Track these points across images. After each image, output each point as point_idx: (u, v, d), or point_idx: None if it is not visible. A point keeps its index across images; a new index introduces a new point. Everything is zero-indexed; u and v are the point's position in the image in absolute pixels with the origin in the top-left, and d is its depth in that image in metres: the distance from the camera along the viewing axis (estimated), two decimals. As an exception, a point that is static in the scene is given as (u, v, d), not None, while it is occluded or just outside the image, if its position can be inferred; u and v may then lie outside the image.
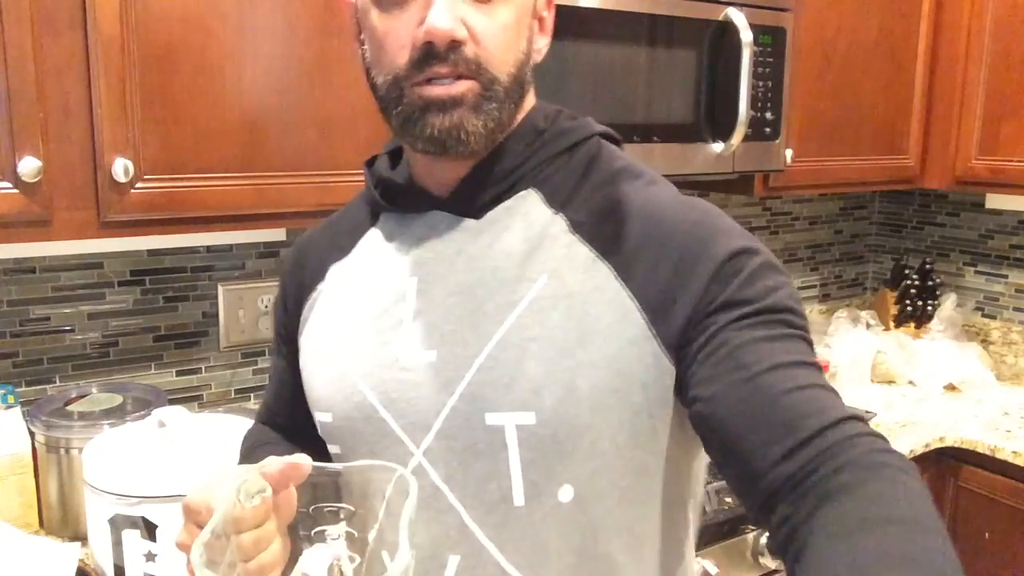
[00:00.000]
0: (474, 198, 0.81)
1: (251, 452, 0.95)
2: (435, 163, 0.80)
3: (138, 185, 1.19)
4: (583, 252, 0.77)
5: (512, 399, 0.74)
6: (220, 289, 1.62)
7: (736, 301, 0.72)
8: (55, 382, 1.50)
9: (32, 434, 1.36)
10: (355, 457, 0.81)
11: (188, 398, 1.62)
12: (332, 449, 0.86)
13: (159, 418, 1.24)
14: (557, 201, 0.80)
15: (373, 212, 0.89)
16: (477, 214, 0.81)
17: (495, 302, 0.77)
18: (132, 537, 1.10)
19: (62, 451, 1.34)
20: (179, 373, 1.62)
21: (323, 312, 0.88)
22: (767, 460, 0.65)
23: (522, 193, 0.81)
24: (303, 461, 0.65)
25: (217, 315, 1.63)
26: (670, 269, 0.74)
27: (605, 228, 0.78)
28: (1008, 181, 2.01)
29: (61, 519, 1.36)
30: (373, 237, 0.87)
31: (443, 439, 0.77)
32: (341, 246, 0.90)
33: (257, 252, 1.66)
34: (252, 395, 1.69)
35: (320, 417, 0.85)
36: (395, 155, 0.89)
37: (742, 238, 0.76)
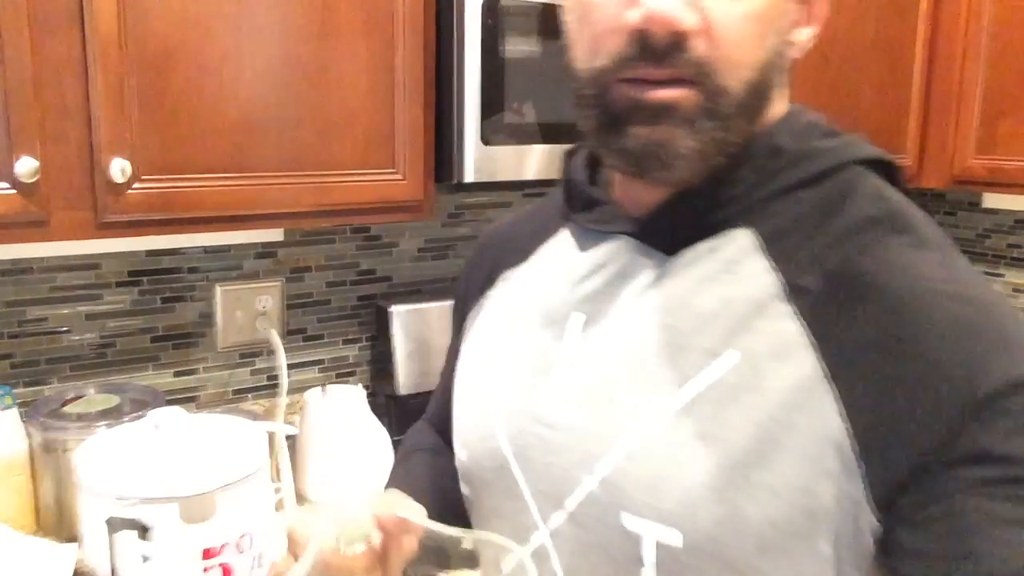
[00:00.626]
0: (671, 229, 0.63)
1: (407, 457, 0.87)
2: (631, 179, 0.65)
3: (135, 186, 1.18)
4: (793, 332, 0.56)
5: (656, 505, 0.57)
6: (217, 290, 1.62)
7: (995, 456, 0.50)
8: (52, 383, 1.50)
9: (29, 435, 1.35)
10: (481, 506, 0.72)
11: (186, 399, 1.62)
12: (463, 490, 0.75)
13: (154, 419, 1.24)
14: (779, 251, 0.60)
15: (561, 215, 0.74)
16: (671, 250, 0.63)
17: (666, 372, 0.59)
18: (127, 539, 1.09)
19: (59, 452, 1.33)
20: (177, 374, 1.61)
21: (483, 328, 0.76)
22: None
23: (734, 232, 0.61)
24: (417, 518, 0.59)
25: (214, 316, 1.63)
26: (909, 386, 0.52)
27: (833, 304, 0.56)
28: (1006, 180, 2.00)
29: (57, 520, 1.36)
30: (555, 247, 0.73)
31: (576, 525, 0.62)
32: (521, 248, 0.76)
33: (255, 252, 1.66)
34: (250, 395, 1.69)
35: (457, 451, 0.75)
36: None
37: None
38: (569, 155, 0.75)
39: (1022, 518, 0.50)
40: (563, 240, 0.72)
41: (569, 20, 0.62)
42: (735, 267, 0.60)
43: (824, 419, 0.54)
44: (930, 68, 2.11)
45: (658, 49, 0.55)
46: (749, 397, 0.56)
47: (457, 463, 0.75)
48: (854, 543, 0.54)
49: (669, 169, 0.59)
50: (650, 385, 0.60)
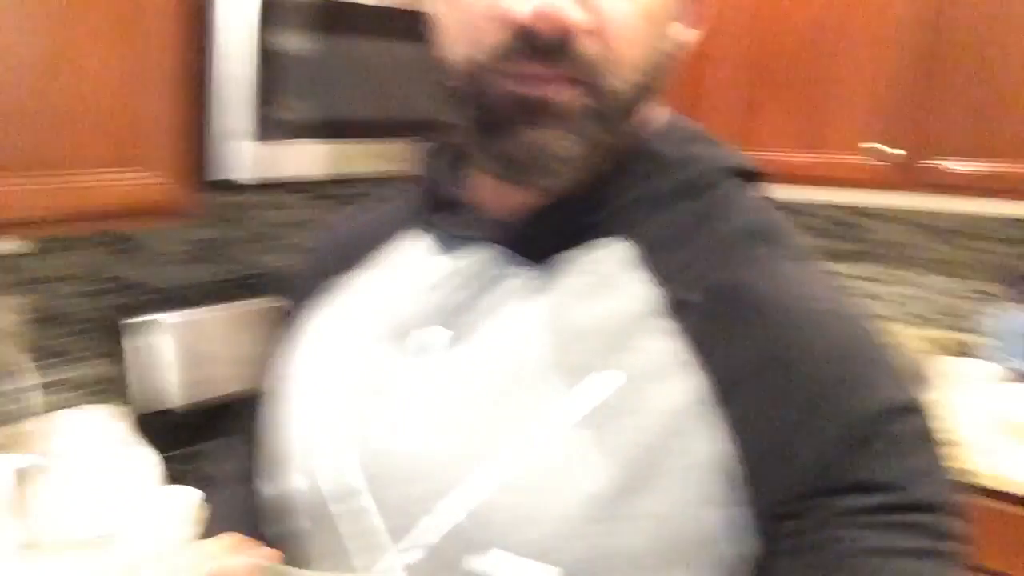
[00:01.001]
0: (544, 237, 0.59)
1: (225, 490, 0.78)
2: (503, 182, 0.59)
3: None
4: (676, 351, 0.53)
5: (528, 540, 0.52)
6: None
7: (867, 483, 0.49)
8: None
9: None
10: (325, 543, 0.61)
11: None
12: (297, 524, 0.65)
13: None
14: (659, 264, 0.56)
15: (412, 216, 0.67)
16: (543, 259, 0.58)
17: (536, 394, 0.54)
18: None
19: None
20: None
21: (318, 341, 0.68)
22: None
23: (611, 243, 0.58)
24: (272, 564, 0.54)
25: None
26: (796, 408, 0.51)
27: (718, 321, 0.53)
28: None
29: None
30: (405, 253, 0.66)
31: (437, 562, 0.54)
32: (359, 253, 0.69)
33: (-10, 264, 1.47)
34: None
35: (292, 480, 0.64)
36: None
37: (903, 384, 0.53)
38: (430, 152, 0.69)
39: (898, 548, 0.49)
40: (416, 245, 0.66)
41: (438, 3, 0.57)
42: (613, 280, 0.56)
43: (711, 443, 0.51)
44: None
45: (546, 46, 0.51)
46: (632, 421, 0.52)
47: (289, 493, 0.65)
48: (737, 571, 0.52)
49: (551, 175, 0.55)
50: (525, 408, 0.55)
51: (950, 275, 2.35)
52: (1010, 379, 2.10)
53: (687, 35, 0.60)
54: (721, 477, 0.51)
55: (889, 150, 1.99)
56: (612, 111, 0.54)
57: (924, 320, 2.39)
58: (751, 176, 0.63)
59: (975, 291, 2.31)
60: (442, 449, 0.56)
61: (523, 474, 0.53)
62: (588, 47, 0.52)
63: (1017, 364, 2.10)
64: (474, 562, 0.53)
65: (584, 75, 0.52)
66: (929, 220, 2.36)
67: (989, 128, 1.89)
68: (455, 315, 0.60)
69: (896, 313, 2.44)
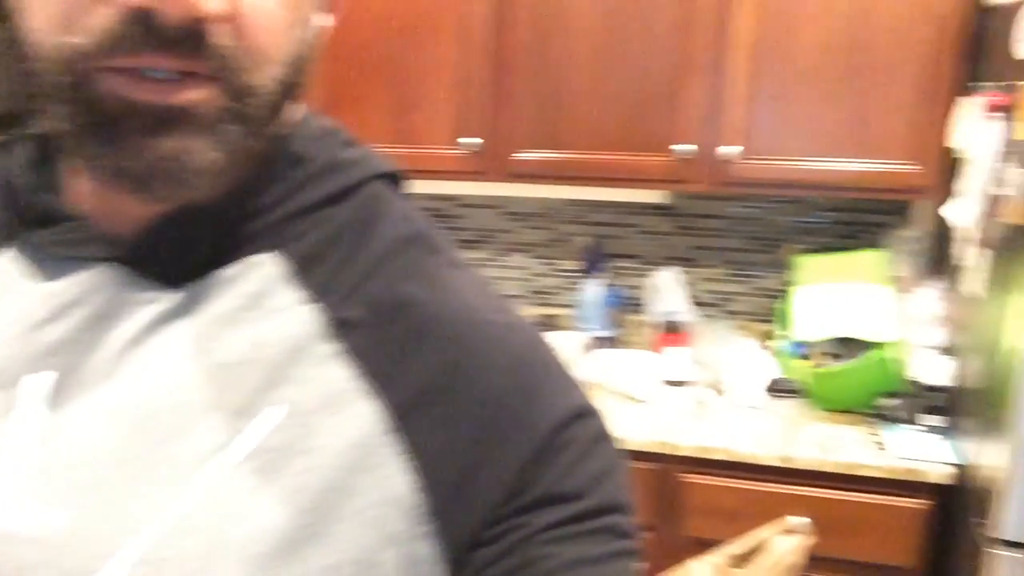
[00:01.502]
0: (174, 254, 0.49)
1: None
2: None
3: None
4: (345, 377, 0.48)
5: None
6: None
7: (556, 496, 0.48)
8: None
9: None
10: None
11: None
12: None
13: None
14: (314, 280, 0.50)
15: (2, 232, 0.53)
16: (175, 280, 0.49)
17: (185, 444, 0.46)
18: None
19: None
20: None
21: None
22: None
23: (257, 259, 0.50)
24: None
25: None
26: (477, 429, 0.48)
27: (386, 340, 0.49)
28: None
29: None
30: None
31: None
32: None
33: None
34: None
35: None
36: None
37: (574, 388, 0.52)
38: (1, 148, 0.55)
39: (596, 555, 0.48)
40: (3, 269, 0.52)
41: None
42: (263, 301, 0.49)
43: (389, 477, 0.46)
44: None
45: (170, 34, 0.41)
46: (300, 462, 0.45)
47: None
48: None
49: (184, 187, 0.46)
50: (168, 463, 0.45)
51: (536, 255, 2.54)
52: (595, 346, 2.33)
53: (325, 23, 0.54)
54: (404, 512, 0.46)
55: (471, 142, 2.09)
56: (254, 111, 0.46)
57: (520, 300, 2.57)
58: (397, 179, 0.59)
59: (557, 269, 2.53)
60: (77, 526, 0.44)
61: (177, 541, 0.44)
62: (223, 38, 0.43)
63: (598, 331, 2.34)
64: None
65: (218, 70, 0.44)
66: (512, 206, 2.53)
67: (553, 121, 2.06)
68: (63, 355, 0.48)
69: (494, 296, 2.59)
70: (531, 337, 0.53)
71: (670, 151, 2.00)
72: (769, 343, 2.21)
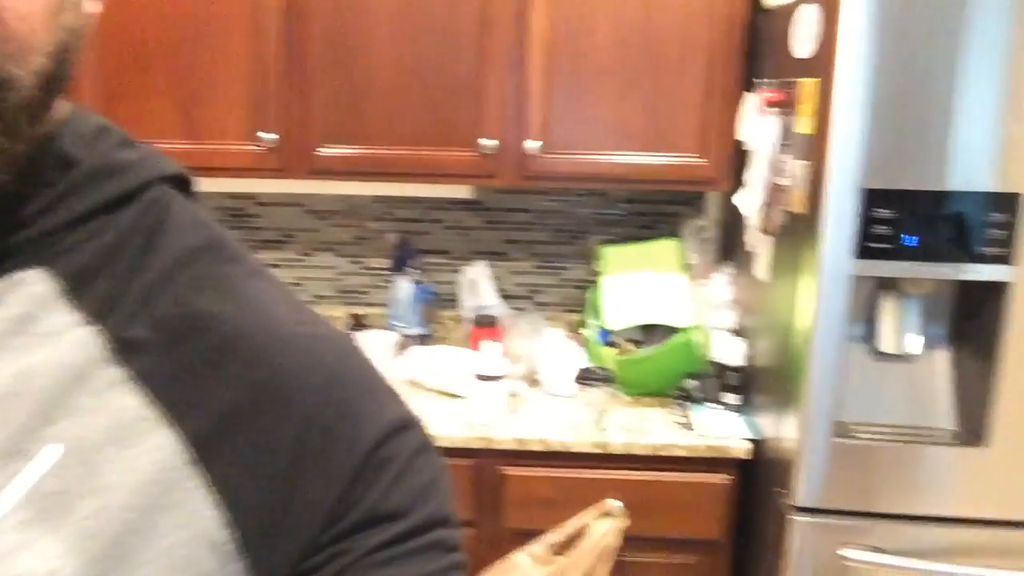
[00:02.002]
0: None
1: None
2: None
3: None
4: (133, 407, 0.43)
5: None
6: None
7: (379, 517, 0.45)
8: None
9: None
10: None
11: None
12: None
13: None
14: (91, 298, 0.44)
15: None
16: None
17: None
18: None
19: None
20: None
21: None
22: None
23: (22, 276, 0.44)
24: None
25: None
26: (289, 453, 0.44)
27: (179, 361, 0.44)
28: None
29: None
30: None
31: None
32: None
33: None
34: None
35: None
36: None
37: (392, 400, 0.50)
38: None
39: (425, 574, 0.46)
40: None
41: None
42: (32, 325, 0.43)
43: (192, 514, 0.42)
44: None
45: None
46: (86, 505, 0.40)
47: None
48: None
49: None
50: None
51: (343, 254, 2.46)
52: (408, 344, 2.29)
53: (93, 8, 0.48)
54: (213, 551, 0.42)
55: (269, 137, 1.98)
56: (15, 110, 0.41)
57: (329, 300, 2.48)
58: (186, 182, 0.53)
59: (366, 267, 2.46)
60: None
61: None
62: None
63: (411, 329, 2.30)
64: None
65: None
66: (315, 204, 2.44)
67: (355, 115, 2.00)
68: None
69: (300, 296, 2.48)
70: (343, 348, 0.50)
71: (475, 146, 1.99)
72: (578, 333, 2.26)
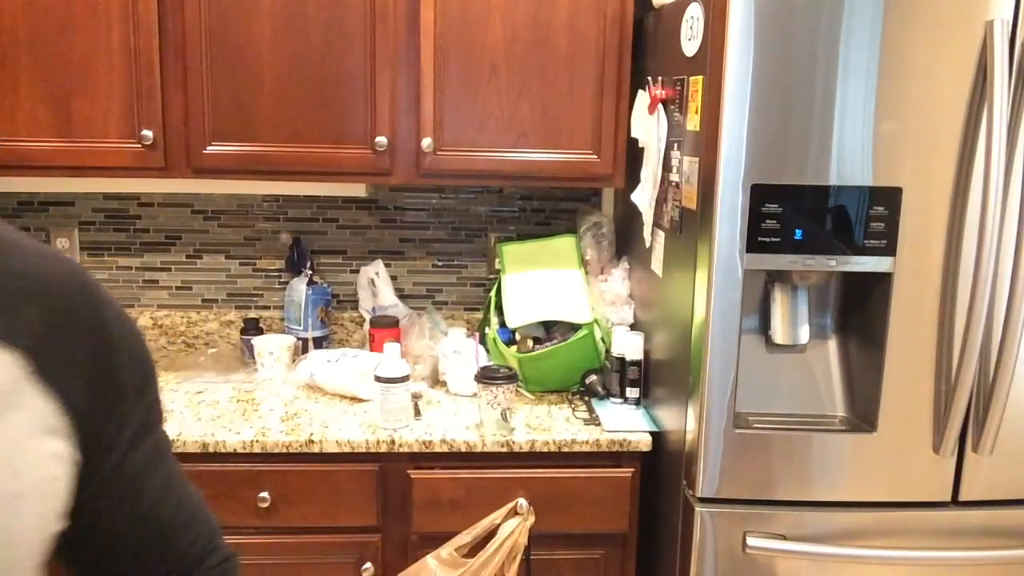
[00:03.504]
0: None
1: None
2: None
3: None
4: None
5: None
6: None
7: (134, 407, 0.64)
8: None
9: None
10: None
11: None
12: None
13: None
14: None
15: None
16: None
17: None
18: None
19: None
20: None
21: None
22: None
23: None
24: None
25: None
26: (89, 353, 0.60)
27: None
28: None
29: None
30: None
31: None
32: None
33: None
34: None
35: None
36: None
37: (106, 293, 0.64)
38: None
39: (156, 451, 0.66)
40: None
41: None
42: None
43: (35, 408, 0.56)
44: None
45: None
46: None
47: None
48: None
49: None
50: None
51: (234, 256, 2.37)
52: (306, 347, 2.23)
53: None
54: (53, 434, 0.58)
55: (148, 134, 1.89)
56: None
57: (221, 303, 2.39)
58: None
59: (258, 269, 2.38)
60: None
61: None
62: None
63: (308, 332, 2.24)
64: None
65: None
66: (202, 204, 2.34)
67: (243, 112, 1.92)
68: None
69: (190, 300, 2.38)
70: (55, 249, 0.63)
71: (369, 143, 1.95)
72: (478, 331, 2.25)
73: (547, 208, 2.39)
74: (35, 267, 0.58)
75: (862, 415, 1.59)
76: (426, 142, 1.95)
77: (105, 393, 0.61)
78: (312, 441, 1.78)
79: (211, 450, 1.77)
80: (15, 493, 0.53)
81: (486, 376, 1.82)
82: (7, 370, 0.55)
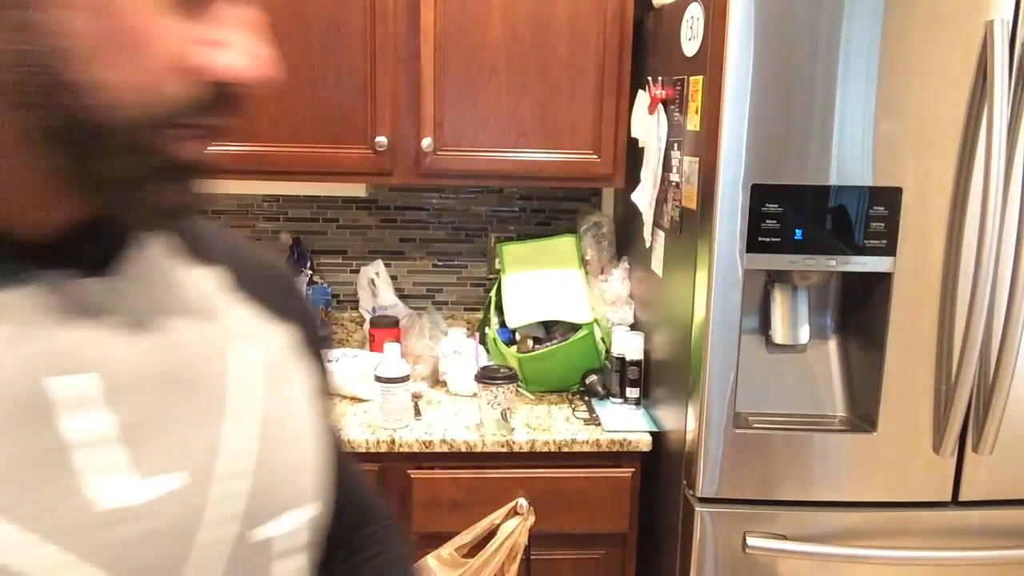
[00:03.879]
0: (90, 247, 0.53)
1: None
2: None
3: None
4: (252, 312, 0.63)
5: (298, 492, 0.60)
6: None
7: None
8: None
9: None
10: None
11: None
12: None
13: None
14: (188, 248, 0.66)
15: None
16: (101, 268, 0.53)
17: (208, 387, 0.55)
18: None
19: None
20: None
21: None
22: None
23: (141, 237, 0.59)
24: None
25: None
26: (315, 324, 0.72)
27: (248, 279, 0.66)
28: None
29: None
30: None
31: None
32: None
33: None
34: None
35: None
36: None
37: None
38: None
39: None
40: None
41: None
42: (166, 272, 0.62)
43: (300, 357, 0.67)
44: None
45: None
46: (270, 372, 0.63)
47: None
48: None
49: None
50: (211, 403, 0.56)
51: (232, 257, 2.37)
52: (304, 347, 2.22)
53: None
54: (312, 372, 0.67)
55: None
56: None
57: (217, 305, 2.39)
58: None
59: (258, 269, 2.38)
60: (180, 491, 0.51)
61: (266, 447, 0.57)
62: None
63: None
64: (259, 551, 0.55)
65: None
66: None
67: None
68: (83, 355, 0.49)
69: (188, 304, 2.38)
70: None
71: (370, 143, 1.95)
72: (478, 331, 2.25)
73: (547, 208, 2.39)
74: (271, 257, 0.71)
75: (862, 415, 1.59)
76: (426, 142, 1.95)
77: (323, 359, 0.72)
78: (312, 441, 1.77)
79: (211, 450, 1.76)
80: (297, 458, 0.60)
81: (486, 376, 1.82)
82: (288, 340, 0.64)
